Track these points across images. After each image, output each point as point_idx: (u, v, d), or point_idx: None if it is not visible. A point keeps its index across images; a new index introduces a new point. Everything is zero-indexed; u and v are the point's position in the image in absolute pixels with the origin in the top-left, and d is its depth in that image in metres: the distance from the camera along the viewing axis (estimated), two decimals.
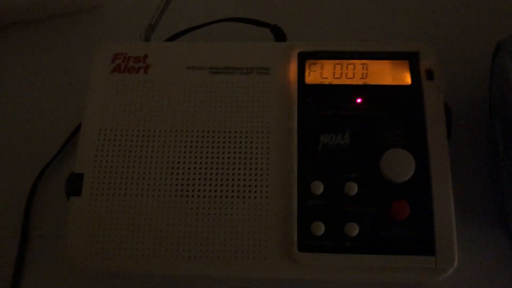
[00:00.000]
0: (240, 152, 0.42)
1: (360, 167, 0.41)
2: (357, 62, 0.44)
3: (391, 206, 0.39)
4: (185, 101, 0.44)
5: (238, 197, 0.40)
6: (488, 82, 0.49)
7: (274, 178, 0.41)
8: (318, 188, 0.40)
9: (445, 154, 0.40)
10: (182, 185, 0.41)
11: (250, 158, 0.41)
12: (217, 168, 0.41)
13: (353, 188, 0.40)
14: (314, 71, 0.44)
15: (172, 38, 0.52)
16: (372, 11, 0.56)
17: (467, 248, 0.44)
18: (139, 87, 0.44)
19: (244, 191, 0.41)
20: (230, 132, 0.42)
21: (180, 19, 0.55)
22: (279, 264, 0.39)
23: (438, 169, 0.40)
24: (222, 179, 0.41)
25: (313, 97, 0.43)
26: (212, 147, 0.42)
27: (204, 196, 0.41)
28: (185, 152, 0.42)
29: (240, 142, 0.42)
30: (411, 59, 0.44)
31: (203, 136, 0.42)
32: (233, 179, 0.41)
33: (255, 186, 0.41)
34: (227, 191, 0.41)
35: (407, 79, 0.43)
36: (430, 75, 0.43)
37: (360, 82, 0.43)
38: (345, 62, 0.44)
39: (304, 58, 0.44)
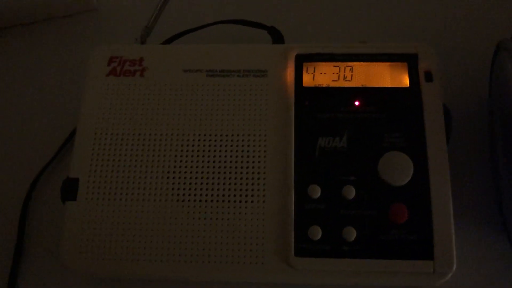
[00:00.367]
0: (237, 156, 0.41)
1: (358, 171, 0.40)
2: (355, 64, 0.44)
3: (389, 210, 0.39)
4: (182, 104, 0.43)
5: (235, 201, 0.40)
6: (488, 83, 0.48)
7: (271, 181, 0.40)
8: (316, 191, 0.40)
9: (444, 157, 0.40)
10: (178, 189, 0.41)
11: (247, 162, 0.41)
12: (213, 172, 0.41)
13: (350, 192, 0.39)
14: (312, 73, 0.44)
15: (168, 41, 0.52)
16: (370, 12, 0.56)
17: (467, 249, 0.43)
18: (135, 91, 0.44)
19: (240, 195, 0.40)
20: (227, 135, 0.42)
21: (176, 22, 0.55)
22: (276, 269, 0.39)
23: (437, 172, 0.40)
24: (218, 183, 0.41)
25: (311, 100, 0.43)
26: (209, 151, 0.42)
27: (200, 200, 0.40)
28: (181, 156, 0.42)
29: (237, 146, 0.42)
30: (410, 61, 0.43)
31: (199, 140, 0.42)
32: (229, 183, 0.41)
33: (252, 189, 0.40)
34: (223, 195, 0.40)
35: (406, 81, 0.43)
36: (428, 77, 0.42)
37: (358, 85, 0.43)
38: (343, 64, 0.44)
39: (301, 61, 0.44)
